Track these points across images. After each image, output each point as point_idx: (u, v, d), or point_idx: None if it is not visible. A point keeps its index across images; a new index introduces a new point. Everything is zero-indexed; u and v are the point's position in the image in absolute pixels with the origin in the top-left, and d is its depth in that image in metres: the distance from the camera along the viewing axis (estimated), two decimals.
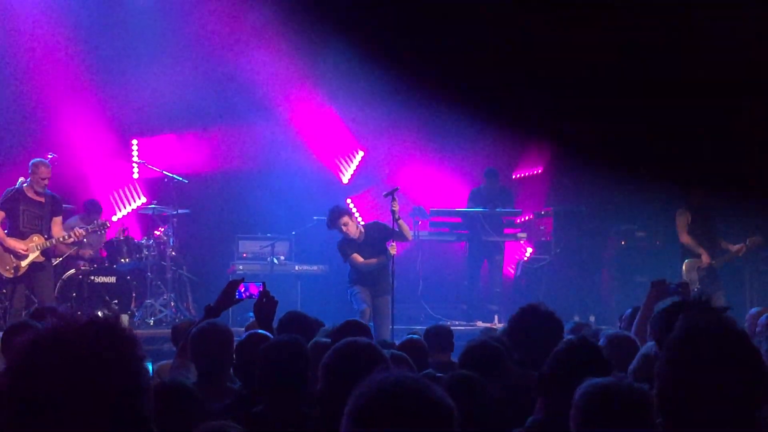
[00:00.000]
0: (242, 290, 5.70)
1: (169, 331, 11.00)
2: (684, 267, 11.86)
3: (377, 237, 10.37)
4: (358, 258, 10.33)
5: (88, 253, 12.12)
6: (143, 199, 13.69)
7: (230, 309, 12.57)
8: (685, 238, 11.94)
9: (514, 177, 15.48)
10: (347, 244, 10.44)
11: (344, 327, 5.56)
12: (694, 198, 12.09)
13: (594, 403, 2.95)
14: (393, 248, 10.29)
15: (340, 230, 10.33)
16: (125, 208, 13.87)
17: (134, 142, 13.91)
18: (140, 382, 1.90)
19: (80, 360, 1.82)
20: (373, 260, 10.30)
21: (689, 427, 2.41)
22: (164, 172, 12.78)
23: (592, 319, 12.37)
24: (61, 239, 10.57)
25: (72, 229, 10.92)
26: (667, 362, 2.43)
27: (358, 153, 14.79)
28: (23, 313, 10.34)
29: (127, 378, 1.86)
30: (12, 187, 10.47)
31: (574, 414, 2.99)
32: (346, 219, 10.29)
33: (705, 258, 11.78)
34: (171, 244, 12.52)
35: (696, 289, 11.52)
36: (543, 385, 3.66)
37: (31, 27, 13.02)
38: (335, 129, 14.74)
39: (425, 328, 7.48)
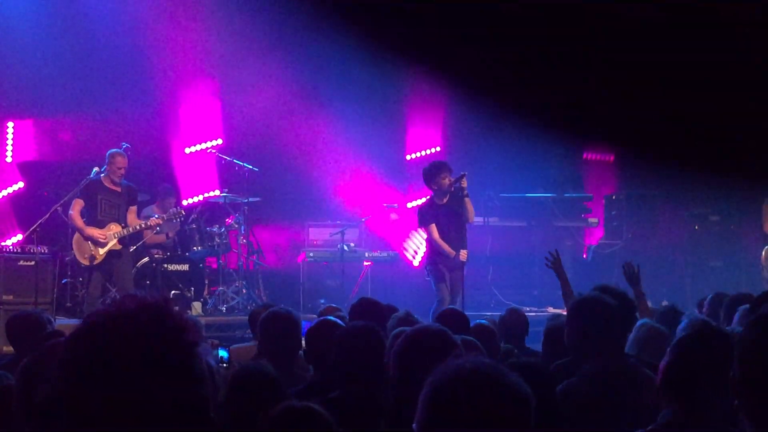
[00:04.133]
0: None
1: (241, 318, 11.29)
2: (764, 253, 11.59)
3: (456, 206, 10.33)
4: (435, 231, 10.32)
5: (162, 238, 12.34)
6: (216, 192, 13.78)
7: (301, 294, 12.80)
8: (766, 228, 11.66)
9: (585, 158, 15.29)
10: (430, 210, 10.42)
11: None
12: None
13: None
14: (464, 255, 10.28)
15: (436, 186, 10.29)
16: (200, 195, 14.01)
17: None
18: (191, 367, 1.81)
19: (127, 346, 1.76)
20: (448, 248, 10.25)
21: None
22: (235, 160, 12.90)
23: (664, 304, 12.19)
24: (137, 227, 10.72)
25: (148, 218, 11.09)
26: (753, 343, 2.36)
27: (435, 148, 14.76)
28: (100, 301, 10.56)
29: (177, 364, 1.79)
30: (88, 177, 10.66)
31: None
32: (445, 175, 10.28)
33: None
34: (242, 231, 12.65)
35: None
36: (669, 382, 3.39)
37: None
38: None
39: (495, 314, 7.45)
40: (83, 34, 13.06)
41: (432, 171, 10.39)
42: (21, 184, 13.18)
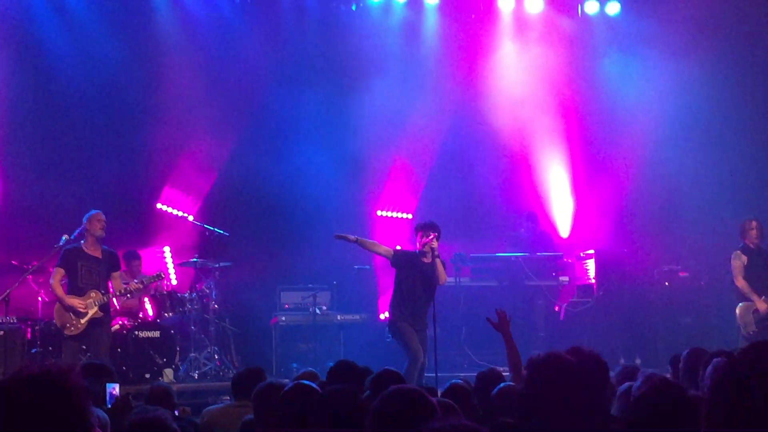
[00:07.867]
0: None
1: (214, 384, 11.24)
2: (738, 310, 11.62)
3: (432, 271, 10.25)
4: (382, 248, 10.41)
5: (135, 303, 12.23)
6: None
7: (273, 359, 12.72)
8: (740, 283, 11.68)
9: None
10: (405, 255, 10.42)
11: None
12: (749, 239, 11.82)
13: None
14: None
15: (420, 240, 10.23)
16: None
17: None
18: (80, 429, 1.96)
19: (19, 412, 1.93)
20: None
21: None
22: (206, 225, 12.88)
23: (638, 361, 12.23)
24: (119, 293, 10.58)
25: (127, 283, 10.96)
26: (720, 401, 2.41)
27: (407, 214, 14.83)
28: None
29: (67, 428, 1.94)
30: (70, 245, 10.51)
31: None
32: (423, 234, 10.18)
33: (760, 305, 11.51)
34: (213, 297, 12.59)
35: (752, 332, 11.35)
36: None
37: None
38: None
39: (469, 375, 7.41)
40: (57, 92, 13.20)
41: (416, 228, 10.44)
42: None
